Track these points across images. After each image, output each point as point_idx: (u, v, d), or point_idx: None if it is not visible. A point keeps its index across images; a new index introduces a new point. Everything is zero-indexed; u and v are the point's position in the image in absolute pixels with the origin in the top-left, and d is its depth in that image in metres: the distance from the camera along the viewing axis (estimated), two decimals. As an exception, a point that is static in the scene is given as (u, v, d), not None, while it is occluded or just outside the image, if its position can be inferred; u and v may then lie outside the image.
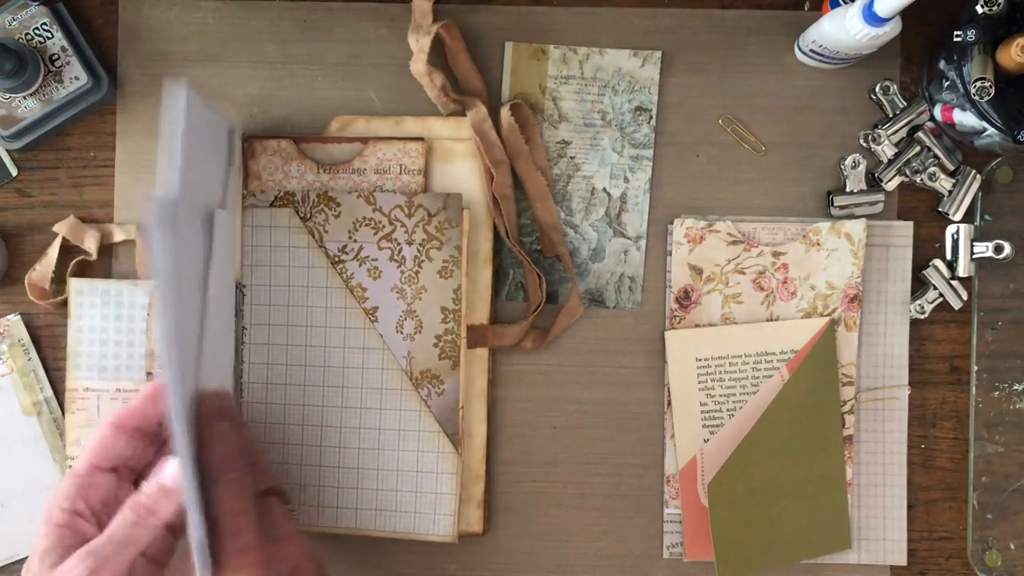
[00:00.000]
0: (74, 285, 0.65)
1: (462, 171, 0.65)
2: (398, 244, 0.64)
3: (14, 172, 0.66)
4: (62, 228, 0.65)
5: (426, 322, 0.64)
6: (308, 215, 0.64)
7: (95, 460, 0.54)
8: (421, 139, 0.65)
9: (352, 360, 0.64)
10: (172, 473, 0.53)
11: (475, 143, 0.64)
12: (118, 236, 0.66)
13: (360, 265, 0.64)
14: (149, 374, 0.65)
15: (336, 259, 0.64)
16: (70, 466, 0.65)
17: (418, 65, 0.64)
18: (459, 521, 0.64)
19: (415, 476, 0.64)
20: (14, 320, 0.66)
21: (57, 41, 0.64)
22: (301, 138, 0.65)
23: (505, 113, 0.64)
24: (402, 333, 0.64)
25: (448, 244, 0.64)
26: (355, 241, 0.64)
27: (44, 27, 0.64)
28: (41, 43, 0.64)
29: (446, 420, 0.64)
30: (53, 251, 0.65)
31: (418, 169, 0.65)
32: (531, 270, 0.65)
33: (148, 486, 0.53)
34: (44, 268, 0.65)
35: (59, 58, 0.64)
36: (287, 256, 0.64)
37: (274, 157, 0.65)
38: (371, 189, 0.65)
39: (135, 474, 0.56)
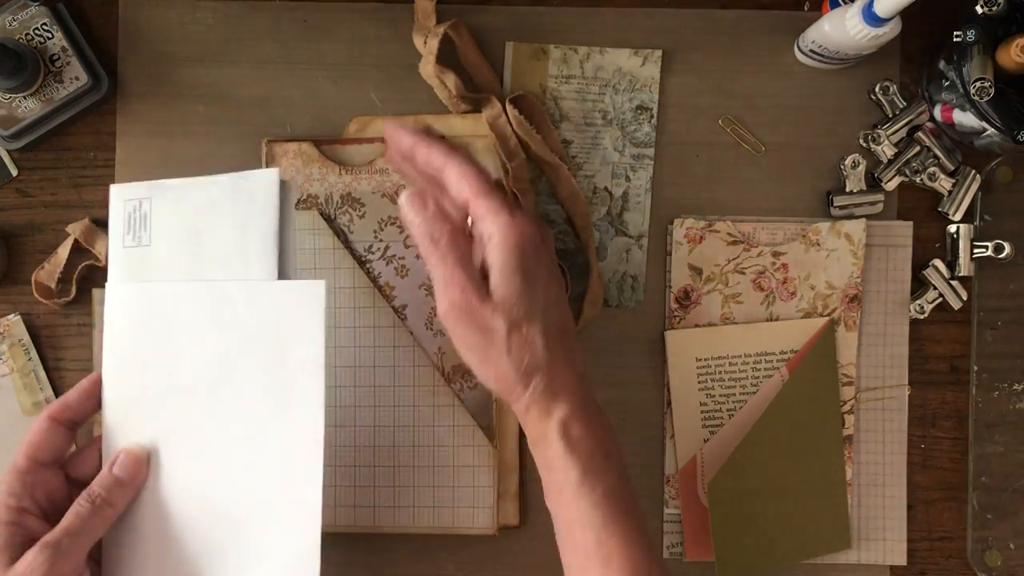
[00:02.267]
0: (97, 296, 0.65)
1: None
2: None
3: (14, 172, 0.66)
4: (75, 229, 0.65)
5: None
6: (333, 216, 0.65)
7: (35, 455, 0.54)
8: (441, 137, 0.65)
9: (383, 359, 0.64)
10: (124, 461, 0.54)
11: (491, 139, 0.64)
12: None
13: (387, 264, 0.65)
14: None
15: (363, 259, 0.65)
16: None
17: (428, 67, 0.64)
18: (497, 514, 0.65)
19: (452, 471, 0.64)
20: (14, 320, 0.66)
21: (57, 41, 0.64)
22: (322, 140, 0.65)
23: (509, 107, 0.64)
24: (432, 329, 0.64)
25: None
26: (381, 240, 0.65)
27: (44, 27, 0.64)
28: (41, 43, 0.64)
29: (480, 413, 0.64)
30: (64, 251, 0.65)
31: None
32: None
33: (102, 477, 0.54)
34: (53, 267, 0.65)
35: (59, 58, 0.64)
36: (312, 259, 0.65)
37: (295, 160, 0.65)
38: (395, 188, 0.65)
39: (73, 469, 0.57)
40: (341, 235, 0.65)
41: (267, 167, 0.65)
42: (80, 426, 0.57)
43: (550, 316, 0.53)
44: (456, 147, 0.55)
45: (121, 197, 0.58)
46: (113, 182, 0.66)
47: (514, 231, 0.51)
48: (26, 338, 0.66)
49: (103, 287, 0.65)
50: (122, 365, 0.57)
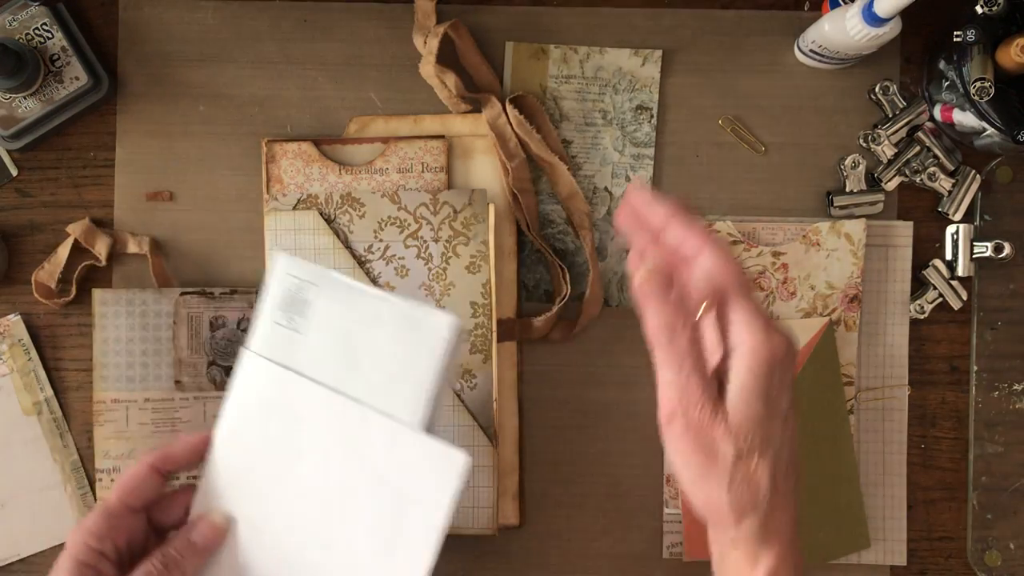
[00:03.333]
0: (97, 296, 0.65)
1: (482, 167, 0.66)
2: (424, 242, 0.64)
3: (14, 172, 0.66)
4: (75, 229, 0.65)
5: None
6: (332, 216, 0.65)
7: (128, 499, 0.54)
8: (442, 137, 0.65)
9: None
10: (204, 529, 0.54)
11: (491, 139, 0.65)
12: (131, 248, 0.65)
13: (387, 264, 0.64)
14: (178, 383, 0.65)
15: (362, 259, 0.65)
16: (99, 484, 0.65)
17: (427, 67, 0.64)
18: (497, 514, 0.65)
19: None
20: (14, 320, 0.66)
21: (57, 41, 0.64)
22: (322, 140, 0.65)
23: (509, 107, 0.64)
24: None
25: (475, 239, 0.64)
26: (381, 240, 0.64)
27: (44, 27, 0.64)
28: (41, 43, 0.64)
29: (480, 413, 0.64)
30: (64, 251, 0.65)
31: (440, 167, 0.65)
32: (553, 262, 0.65)
33: (179, 540, 0.54)
34: (53, 267, 0.65)
35: (59, 58, 0.64)
36: (313, 259, 0.64)
37: (295, 160, 0.65)
38: (395, 188, 0.65)
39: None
40: (341, 235, 0.65)
41: (265, 165, 0.65)
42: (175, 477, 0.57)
43: (783, 454, 0.47)
44: (714, 234, 0.51)
45: (287, 270, 0.55)
46: (113, 182, 0.66)
47: (768, 349, 0.46)
48: (26, 338, 0.66)
49: (103, 287, 0.66)
50: (237, 437, 0.56)
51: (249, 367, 0.56)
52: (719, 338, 0.48)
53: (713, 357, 0.48)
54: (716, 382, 0.47)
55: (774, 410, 0.46)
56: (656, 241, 0.50)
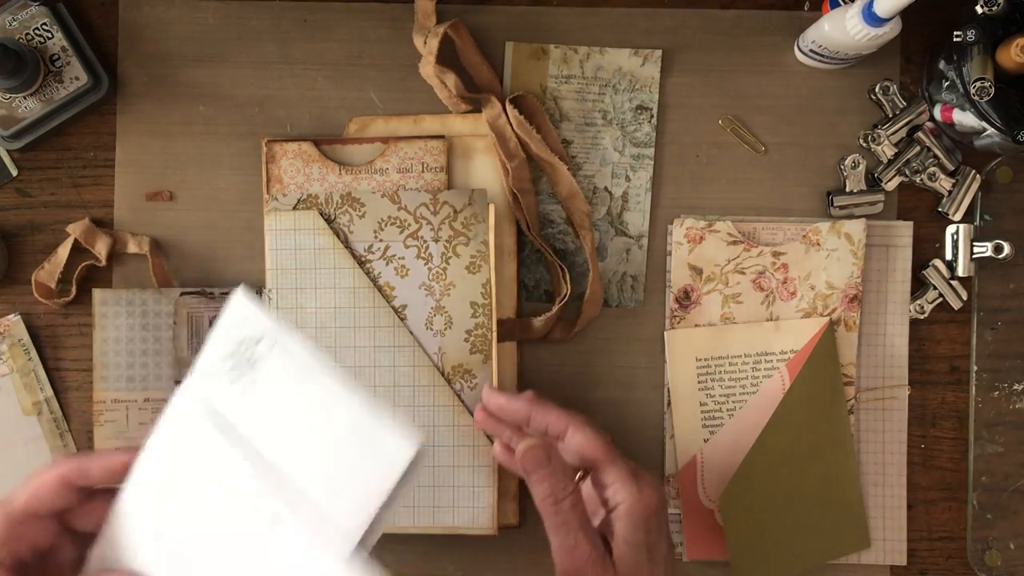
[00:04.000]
0: (97, 296, 0.65)
1: (483, 167, 0.66)
2: (424, 242, 0.64)
3: (14, 172, 0.66)
4: (75, 229, 0.65)
5: (456, 317, 0.64)
6: (332, 216, 0.65)
7: (34, 508, 0.49)
8: (442, 137, 0.65)
9: (382, 359, 0.64)
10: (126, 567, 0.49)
11: (491, 139, 0.65)
12: (131, 248, 0.66)
13: (387, 264, 0.65)
14: (178, 383, 0.64)
15: (362, 259, 0.65)
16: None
17: (427, 67, 0.64)
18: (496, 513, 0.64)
19: (452, 471, 0.64)
20: (14, 320, 0.66)
21: (57, 41, 0.64)
22: (322, 140, 0.65)
23: (509, 107, 0.64)
24: (432, 329, 0.64)
25: (475, 239, 0.64)
26: (381, 240, 0.65)
27: (44, 27, 0.64)
28: (41, 43, 0.64)
29: None
30: (64, 251, 0.65)
31: (440, 167, 0.65)
32: (553, 262, 0.65)
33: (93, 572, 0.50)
34: (53, 267, 0.65)
35: (59, 58, 0.64)
36: (313, 259, 0.64)
37: (295, 160, 0.65)
38: (395, 188, 0.65)
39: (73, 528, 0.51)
40: (341, 235, 0.65)
41: (265, 165, 0.65)
42: (96, 495, 0.51)
43: None
44: (568, 410, 0.57)
45: (241, 315, 0.48)
46: (113, 182, 0.66)
47: (642, 504, 0.52)
48: (26, 338, 0.66)
49: (103, 287, 0.66)
50: (150, 488, 0.49)
51: (182, 406, 0.49)
52: (599, 499, 0.54)
53: (596, 517, 0.54)
54: (602, 539, 0.53)
55: (655, 556, 0.52)
56: (520, 432, 0.58)
